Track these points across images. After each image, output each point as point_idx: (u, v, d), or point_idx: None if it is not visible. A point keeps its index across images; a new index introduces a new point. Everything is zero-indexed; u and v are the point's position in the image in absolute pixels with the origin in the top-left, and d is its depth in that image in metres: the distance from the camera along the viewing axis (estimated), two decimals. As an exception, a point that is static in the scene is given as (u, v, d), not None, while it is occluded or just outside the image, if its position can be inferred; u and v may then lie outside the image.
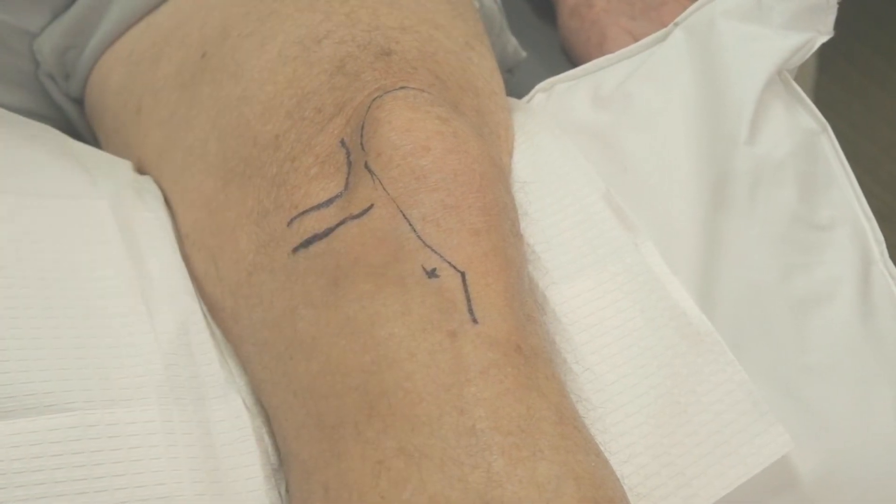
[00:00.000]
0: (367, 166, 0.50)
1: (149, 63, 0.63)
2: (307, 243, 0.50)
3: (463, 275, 0.47)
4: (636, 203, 0.59)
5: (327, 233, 0.50)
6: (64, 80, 0.67)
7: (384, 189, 0.49)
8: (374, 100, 0.52)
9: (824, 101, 0.64)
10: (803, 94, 0.64)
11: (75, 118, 0.70)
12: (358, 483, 0.45)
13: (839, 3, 0.65)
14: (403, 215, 0.48)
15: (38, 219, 0.54)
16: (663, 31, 0.66)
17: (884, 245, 0.61)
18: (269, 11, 0.58)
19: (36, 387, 0.48)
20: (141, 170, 0.63)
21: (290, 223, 0.51)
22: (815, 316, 0.58)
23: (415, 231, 0.48)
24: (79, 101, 0.69)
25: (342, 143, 0.52)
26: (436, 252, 0.48)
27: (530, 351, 0.47)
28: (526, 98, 0.67)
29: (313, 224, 0.50)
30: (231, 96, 0.58)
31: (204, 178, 0.57)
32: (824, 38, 0.64)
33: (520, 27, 0.86)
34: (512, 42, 0.77)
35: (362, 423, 0.46)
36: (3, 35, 0.67)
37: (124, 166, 0.62)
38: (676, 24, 0.66)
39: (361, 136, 0.51)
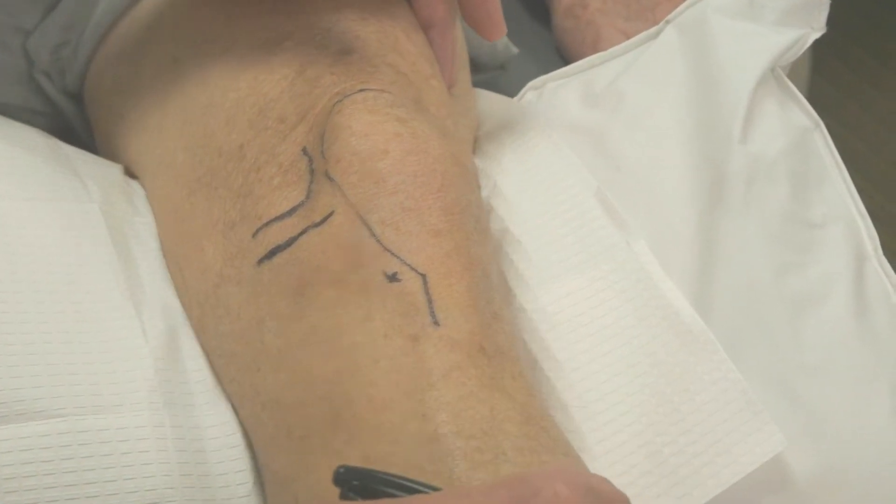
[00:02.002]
0: (327, 174, 0.50)
1: (132, 65, 0.62)
2: (271, 254, 0.50)
3: (424, 277, 0.47)
4: (629, 202, 0.58)
5: (290, 243, 0.49)
6: (60, 76, 0.67)
7: (344, 195, 0.49)
8: (334, 105, 0.51)
9: (817, 100, 0.64)
10: (796, 91, 0.64)
11: (71, 115, 0.69)
12: (326, 495, 0.44)
13: (832, 2, 0.65)
14: (363, 220, 0.48)
15: (28, 222, 0.54)
16: (655, 28, 0.66)
17: (877, 241, 0.61)
18: (236, 14, 0.57)
19: (26, 392, 0.48)
20: (130, 173, 0.63)
21: (255, 234, 0.51)
22: (810, 314, 0.57)
23: (374, 236, 0.48)
24: (76, 97, 0.69)
25: (304, 151, 0.51)
26: (396, 256, 0.47)
27: (495, 350, 0.47)
28: (517, 97, 0.67)
29: (276, 235, 0.50)
30: (197, 104, 0.57)
31: (172, 188, 0.57)
32: (817, 35, 0.64)
33: (514, 27, 0.85)
34: (503, 39, 0.77)
35: (329, 434, 0.45)
36: None
37: (115, 170, 0.62)
38: (668, 22, 0.66)
39: (322, 143, 0.51)
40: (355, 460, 0.44)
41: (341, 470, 0.38)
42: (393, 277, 0.47)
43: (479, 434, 0.44)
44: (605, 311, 0.54)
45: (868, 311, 0.59)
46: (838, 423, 0.55)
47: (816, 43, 0.65)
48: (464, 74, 0.64)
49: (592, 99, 0.64)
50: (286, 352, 0.48)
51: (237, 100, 0.55)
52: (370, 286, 0.47)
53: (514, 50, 0.77)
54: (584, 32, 0.84)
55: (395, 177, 0.49)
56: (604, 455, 0.50)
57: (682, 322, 0.53)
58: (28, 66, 0.67)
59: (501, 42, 0.77)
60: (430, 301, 0.47)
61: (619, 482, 0.50)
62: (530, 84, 0.67)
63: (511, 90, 0.69)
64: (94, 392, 0.49)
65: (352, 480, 0.38)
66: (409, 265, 0.47)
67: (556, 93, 0.66)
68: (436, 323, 0.46)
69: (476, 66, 0.76)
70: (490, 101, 0.66)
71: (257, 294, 0.50)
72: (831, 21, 0.65)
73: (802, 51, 0.63)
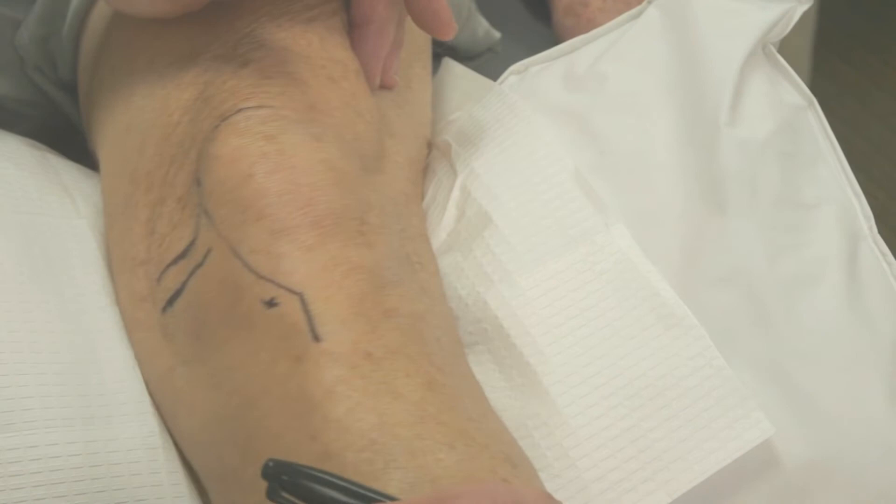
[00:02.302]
0: (205, 207, 0.49)
1: (95, 66, 0.61)
2: (171, 302, 0.50)
3: (301, 295, 0.46)
4: (613, 187, 0.57)
5: (182, 287, 0.49)
6: (53, 69, 0.66)
7: (216, 230, 0.48)
8: (211, 130, 0.50)
9: (819, 99, 0.63)
10: (789, 68, 0.62)
11: (68, 108, 0.68)
12: None
13: (833, 2, 0.64)
14: (234, 253, 0.48)
15: (17, 237, 0.53)
16: (637, 8, 0.64)
17: (872, 220, 0.60)
18: (164, 23, 0.56)
19: (31, 402, 0.48)
20: None
21: (159, 280, 0.51)
22: (804, 299, 0.56)
23: (247, 266, 0.47)
24: (71, 88, 0.68)
25: (197, 181, 0.51)
26: (271, 281, 0.47)
27: (384, 352, 0.46)
28: (499, 80, 0.66)
29: (174, 279, 0.50)
30: (120, 126, 0.56)
31: (103, 215, 0.57)
32: (804, 7, 0.63)
33: (515, 26, 0.85)
34: (483, 25, 0.76)
35: (240, 470, 0.46)
36: None
37: None
38: (650, 2, 0.64)
39: (200, 173, 0.50)
40: (263, 494, 0.44)
41: (270, 464, 0.38)
42: (271, 303, 0.47)
43: (367, 445, 0.43)
44: (584, 294, 0.53)
45: (862, 292, 0.57)
46: (831, 409, 0.54)
47: (818, 42, 0.64)
48: (417, 69, 0.63)
49: (574, 81, 0.62)
50: (196, 396, 0.48)
51: (151, 122, 0.54)
52: (252, 317, 0.47)
53: (497, 35, 0.76)
54: (585, 31, 0.84)
55: (260, 201, 0.48)
56: (587, 440, 0.49)
57: (665, 304, 0.52)
58: (20, 57, 0.67)
59: (482, 29, 0.76)
60: (309, 318, 0.46)
61: (604, 467, 0.49)
62: (512, 68, 0.66)
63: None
64: (83, 403, 0.49)
65: (281, 475, 0.38)
66: (284, 287, 0.47)
67: (538, 76, 0.65)
68: (317, 339, 0.46)
69: (459, 54, 0.75)
70: (471, 84, 0.65)
71: (167, 342, 0.50)
72: (832, 19, 0.63)
73: (791, 26, 0.62)
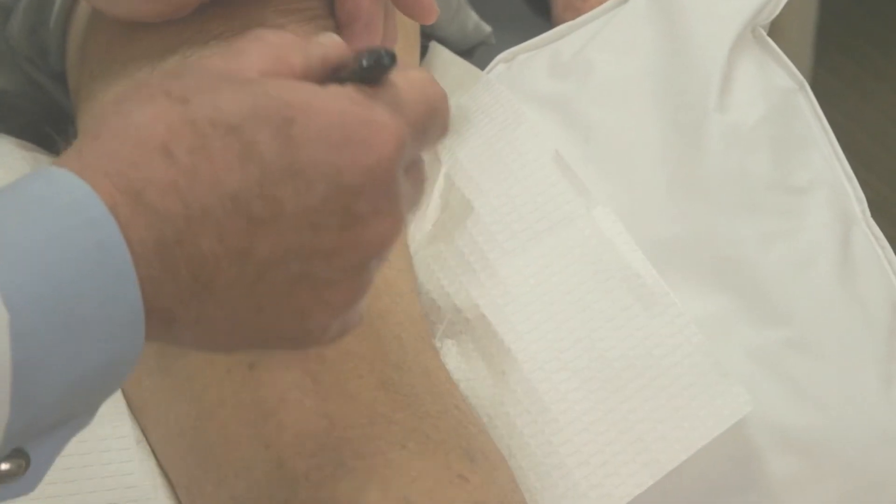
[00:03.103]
0: None
1: (79, 71, 0.61)
2: None
3: None
4: (599, 174, 0.57)
5: None
6: (43, 59, 0.66)
7: None
8: None
9: (820, 92, 0.62)
10: (779, 51, 0.62)
11: (61, 98, 0.68)
12: None
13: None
14: None
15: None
16: (623, -7, 0.64)
17: (865, 204, 0.59)
18: (137, 25, 0.55)
19: None
20: None
21: None
22: (796, 284, 0.56)
23: None
24: (64, 78, 0.67)
25: None
26: None
27: (337, 354, 0.46)
28: (487, 68, 0.66)
29: None
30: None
31: None
32: None
33: (514, 20, 0.85)
34: (472, 18, 0.75)
35: (202, 479, 0.46)
36: None
37: None
38: (636, -14, 0.64)
39: None
40: (225, 502, 0.45)
41: None
42: None
43: (318, 450, 0.43)
44: (563, 279, 0.53)
45: (855, 275, 0.57)
46: (825, 394, 0.54)
47: (819, 35, 0.63)
48: (408, 61, 0.62)
49: (561, 69, 0.62)
50: (160, 407, 0.49)
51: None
52: None
53: (487, 29, 0.76)
54: (586, 25, 0.84)
55: None
56: (568, 425, 0.49)
57: (644, 284, 0.52)
58: (11, 51, 0.66)
59: (471, 23, 0.76)
60: None
61: (586, 451, 0.49)
62: (500, 56, 0.66)
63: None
64: None
65: None
66: None
67: (525, 64, 0.65)
68: None
69: (449, 49, 0.75)
70: (459, 70, 0.65)
71: None
72: (833, 13, 0.63)
73: (779, 8, 0.61)
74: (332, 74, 0.36)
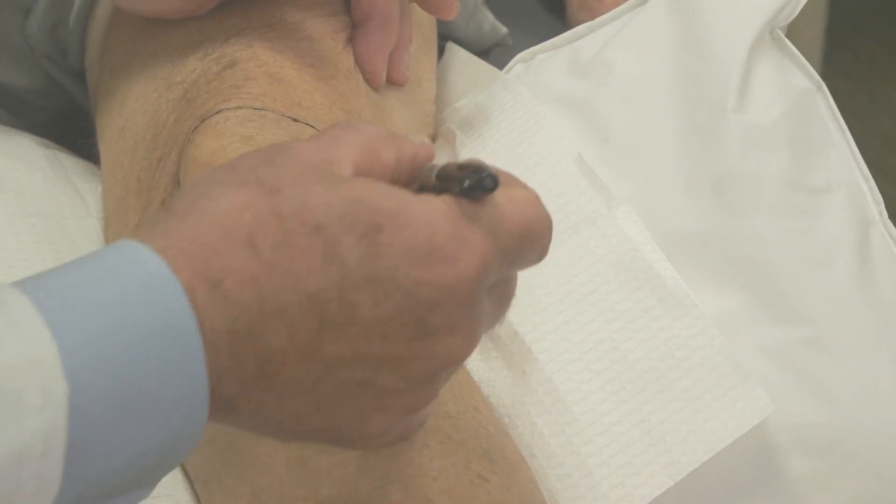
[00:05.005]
0: None
1: (100, 69, 0.61)
2: None
3: None
4: (618, 174, 0.57)
5: None
6: (63, 57, 0.66)
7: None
8: (192, 132, 0.50)
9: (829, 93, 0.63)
10: (797, 52, 0.62)
11: (80, 96, 0.68)
12: None
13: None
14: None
15: (29, 239, 0.54)
16: (643, -6, 0.64)
17: (882, 205, 0.60)
18: (161, 22, 0.55)
19: None
20: None
21: None
22: (814, 284, 0.56)
23: None
24: (83, 76, 0.67)
25: (177, 183, 0.50)
26: None
27: None
28: (505, 68, 0.66)
29: None
30: (116, 127, 0.56)
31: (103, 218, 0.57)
32: None
33: (529, 20, 0.85)
34: (489, 19, 0.76)
35: (223, 474, 0.46)
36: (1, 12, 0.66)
37: None
38: (657, -12, 0.64)
39: (180, 175, 0.50)
40: (244, 497, 0.45)
41: None
42: None
43: (340, 449, 0.43)
44: (586, 279, 0.53)
45: (873, 276, 0.57)
46: (842, 393, 0.54)
47: (827, 36, 0.63)
48: (424, 63, 0.63)
49: (580, 69, 0.62)
50: None
51: (143, 124, 0.54)
52: None
53: (503, 30, 0.76)
54: (601, 25, 0.84)
55: None
56: (590, 425, 0.49)
57: (665, 286, 0.52)
58: (31, 49, 0.67)
59: (488, 23, 0.76)
60: None
61: (607, 453, 0.49)
62: (519, 56, 0.66)
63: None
64: None
65: None
66: None
67: (544, 64, 0.65)
68: None
69: (467, 48, 0.75)
70: (476, 70, 0.65)
71: None
72: (842, 15, 0.63)
73: (798, 9, 0.61)
74: (439, 185, 0.36)
